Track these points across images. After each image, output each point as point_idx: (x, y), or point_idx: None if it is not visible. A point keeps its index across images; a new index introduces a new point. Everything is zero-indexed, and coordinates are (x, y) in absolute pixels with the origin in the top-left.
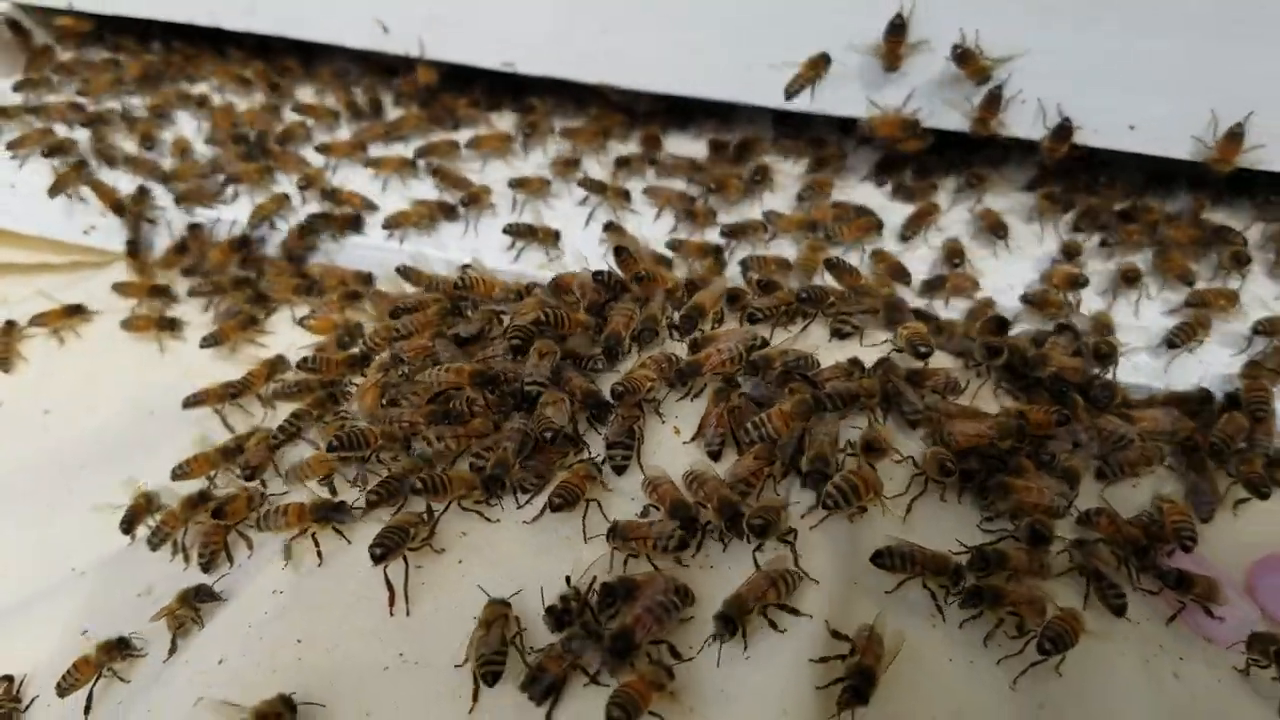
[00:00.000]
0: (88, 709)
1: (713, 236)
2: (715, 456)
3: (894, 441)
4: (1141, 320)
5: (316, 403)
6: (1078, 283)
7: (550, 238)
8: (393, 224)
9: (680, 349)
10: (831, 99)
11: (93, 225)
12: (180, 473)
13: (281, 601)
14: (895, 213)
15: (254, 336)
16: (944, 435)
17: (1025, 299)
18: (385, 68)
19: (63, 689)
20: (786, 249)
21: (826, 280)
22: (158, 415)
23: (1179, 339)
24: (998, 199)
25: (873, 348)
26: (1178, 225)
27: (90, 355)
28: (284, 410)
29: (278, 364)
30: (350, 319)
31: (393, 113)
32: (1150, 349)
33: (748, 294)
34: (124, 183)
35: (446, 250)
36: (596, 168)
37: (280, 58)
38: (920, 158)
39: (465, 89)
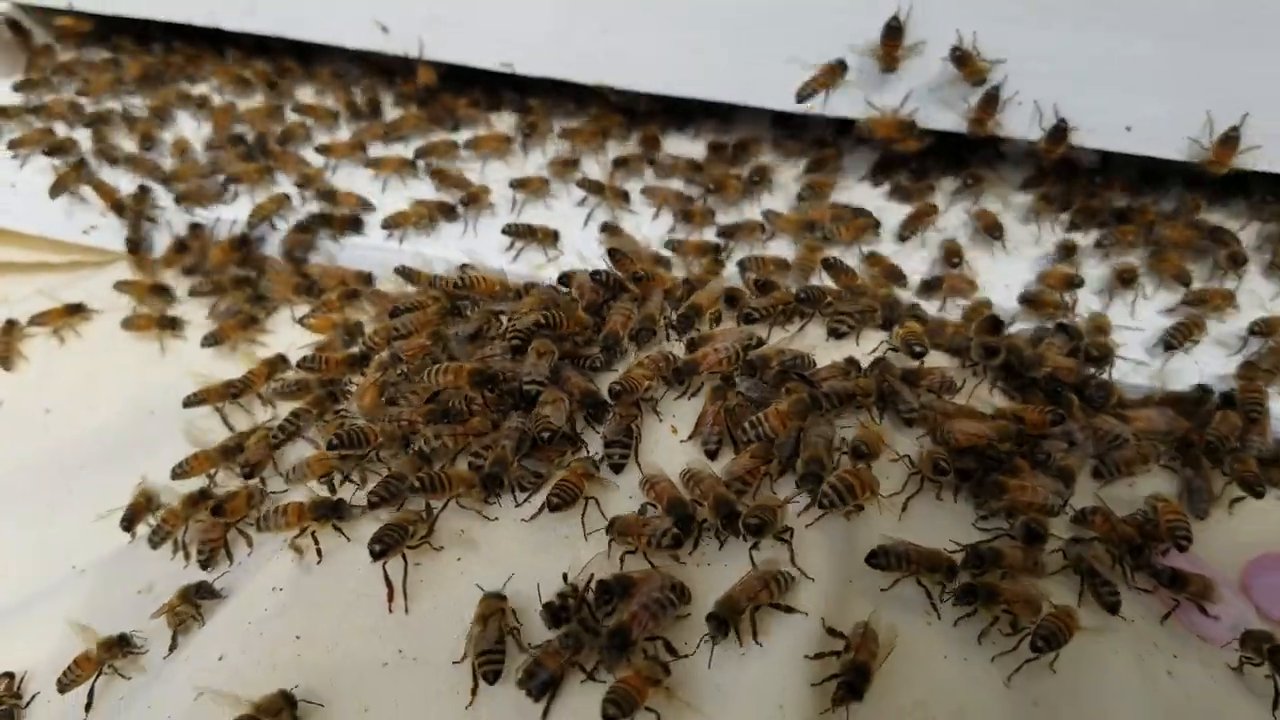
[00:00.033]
0: (89, 705)
1: (711, 236)
2: (713, 455)
3: (890, 440)
4: (1138, 320)
5: (316, 402)
6: (1072, 283)
7: (549, 238)
8: (392, 224)
9: (678, 349)
10: (830, 100)
11: (93, 225)
12: (180, 471)
13: (281, 599)
14: (893, 213)
15: (254, 336)
16: (943, 433)
17: (1022, 299)
18: (385, 68)
19: (63, 685)
20: (785, 249)
21: (824, 280)
22: (158, 414)
23: (1175, 340)
24: (995, 199)
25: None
26: (1174, 226)
27: (91, 354)
28: (284, 409)
29: (278, 363)
30: (350, 318)
31: (392, 113)
32: (1146, 349)
33: (746, 294)
34: (124, 182)
35: (446, 250)
36: (595, 168)
37: (280, 58)
38: (918, 158)
39: (465, 89)
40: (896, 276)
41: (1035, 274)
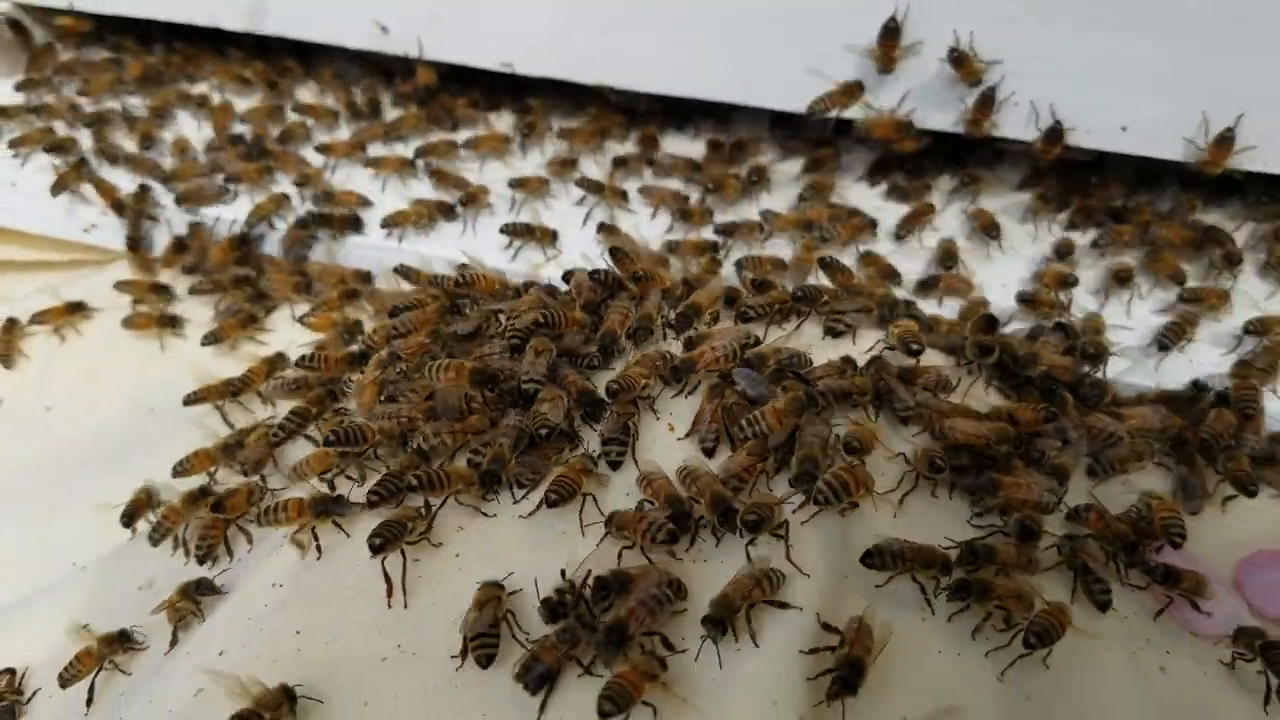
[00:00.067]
0: (90, 701)
1: (709, 236)
2: (710, 453)
3: (885, 438)
4: (1133, 319)
5: (316, 400)
6: (1067, 282)
7: (547, 237)
8: (391, 223)
9: (675, 347)
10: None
11: (93, 224)
12: (181, 469)
13: (281, 595)
14: (890, 213)
15: (254, 334)
16: (941, 429)
17: (1019, 298)
18: (385, 68)
19: (64, 681)
20: (782, 249)
21: (821, 279)
22: (158, 413)
23: (1170, 339)
24: (992, 199)
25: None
26: (1169, 225)
27: (91, 353)
28: (284, 408)
29: (277, 361)
30: (349, 317)
31: (392, 113)
32: (1141, 348)
33: (744, 294)
34: (124, 181)
35: (445, 249)
36: (594, 168)
37: (280, 58)
38: (915, 158)
39: (464, 89)
40: (892, 276)
41: (1032, 273)
